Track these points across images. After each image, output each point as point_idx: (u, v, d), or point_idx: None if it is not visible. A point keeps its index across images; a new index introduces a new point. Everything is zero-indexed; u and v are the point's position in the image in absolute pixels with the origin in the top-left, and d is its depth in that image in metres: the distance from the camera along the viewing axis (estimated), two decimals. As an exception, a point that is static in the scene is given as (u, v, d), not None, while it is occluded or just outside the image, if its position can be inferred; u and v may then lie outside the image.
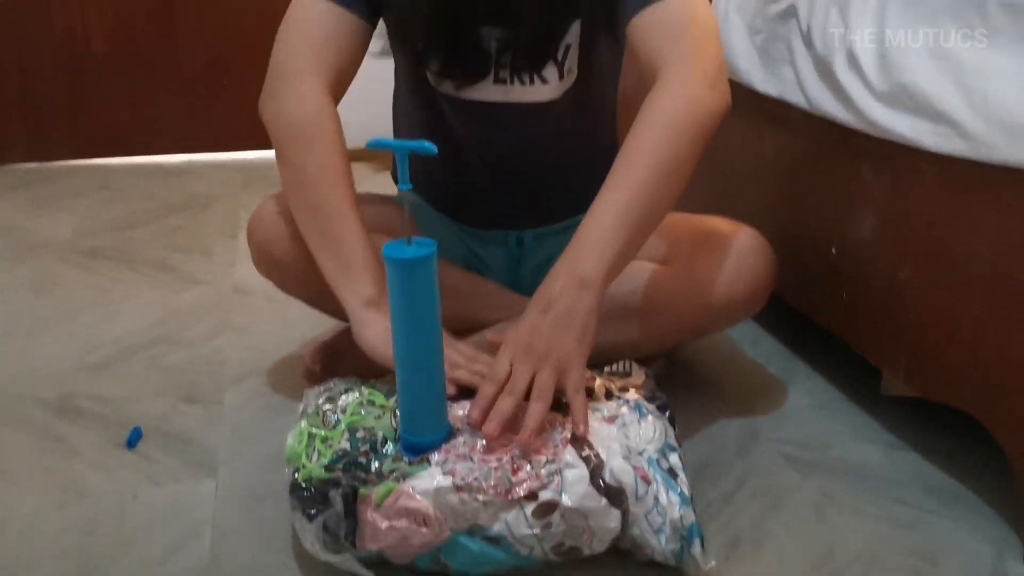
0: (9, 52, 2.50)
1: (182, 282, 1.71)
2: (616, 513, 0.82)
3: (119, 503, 1.02)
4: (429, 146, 0.79)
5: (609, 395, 0.96)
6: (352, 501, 0.83)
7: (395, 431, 0.89)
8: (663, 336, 1.15)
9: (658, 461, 0.88)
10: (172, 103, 2.63)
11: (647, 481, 0.85)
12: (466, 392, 0.93)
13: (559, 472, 0.82)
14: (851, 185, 1.16)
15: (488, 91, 1.12)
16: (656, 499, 0.84)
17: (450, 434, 0.88)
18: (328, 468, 0.86)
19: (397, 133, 1.29)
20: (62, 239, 1.96)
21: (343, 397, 0.96)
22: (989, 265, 0.95)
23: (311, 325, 1.43)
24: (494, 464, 0.83)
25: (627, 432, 0.89)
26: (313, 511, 0.84)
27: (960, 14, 0.94)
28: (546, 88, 1.12)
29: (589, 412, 0.89)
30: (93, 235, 1.99)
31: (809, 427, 1.19)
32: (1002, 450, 0.97)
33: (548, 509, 0.81)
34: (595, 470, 0.83)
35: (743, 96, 1.39)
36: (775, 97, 1.29)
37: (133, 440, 1.14)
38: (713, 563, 0.88)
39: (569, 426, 0.87)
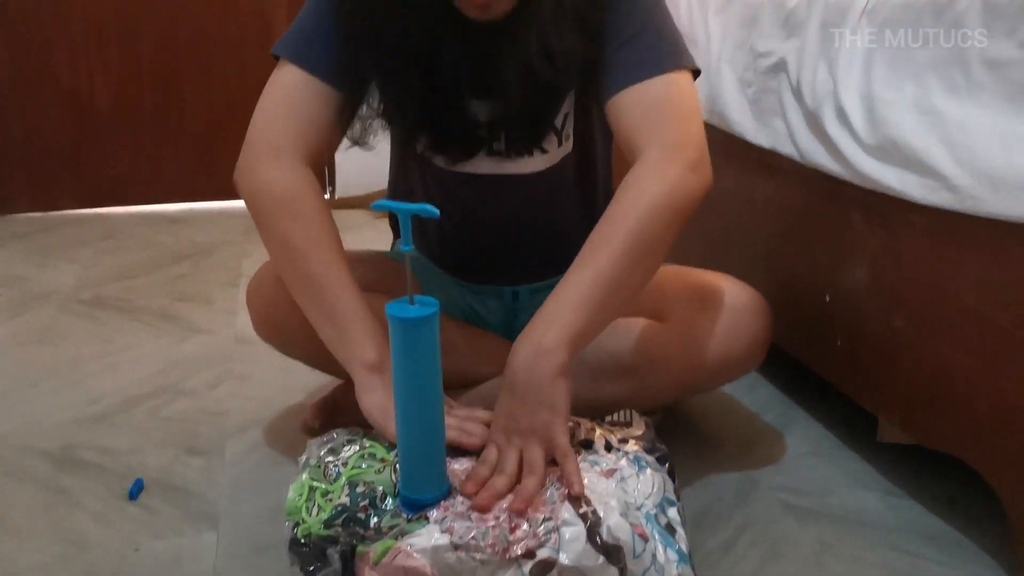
0: (15, 106, 2.55)
1: (184, 331, 1.73)
2: (614, 571, 0.83)
3: (121, 556, 1.02)
4: (432, 209, 0.81)
5: (609, 447, 0.97)
6: (350, 559, 0.84)
7: (395, 486, 0.90)
8: (660, 393, 1.15)
9: (656, 517, 0.89)
10: (174, 154, 2.68)
11: (644, 539, 0.85)
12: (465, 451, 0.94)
13: (556, 530, 0.83)
14: (843, 234, 1.19)
15: (481, 164, 1.13)
16: (654, 556, 0.85)
17: (449, 491, 0.89)
18: (327, 524, 0.87)
19: (393, 190, 1.30)
20: (65, 289, 1.98)
21: (345, 449, 0.97)
22: (978, 315, 0.96)
23: (312, 374, 1.43)
24: (492, 522, 0.84)
25: (625, 486, 0.90)
26: (312, 568, 0.85)
27: (944, 71, 0.96)
28: (544, 157, 1.13)
29: (587, 465, 0.90)
30: (96, 284, 2.01)
31: (807, 474, 1.20)
32: (997, 496, 0.97)
33: (546, 567, 0.81)
34: (592, 527, 0.83)
35: (736, 145, 1.42)
36: (767, 148, 1.32)
37: (135, 492, 1.14)
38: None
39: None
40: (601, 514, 0.84)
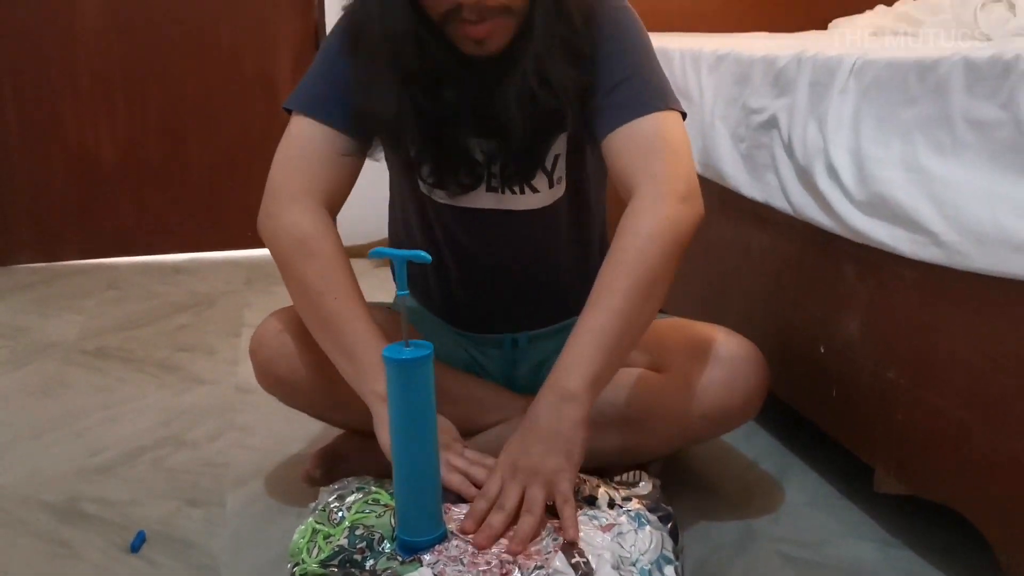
0: (23, 159, 2.58)
1: (186, 382, 1.74)
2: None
3: (122, 610, 1.03)
4: (425, 256, 0.84)
5: (611, 504, 0.98)
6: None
7: (393, 530, 0.91)
8: (658, 444, 1.17)
9: (650, 573, 0.90)
10: (178, 206, 2.71)
11: (635, 593, 0.86)
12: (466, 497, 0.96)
13: (547, 577, 0.84)
14: (836, 286, 1.21)
15: (481, 199, 1.17)
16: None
17: (444, 536, 0.90)
18: (324, 564, 0.89)
19: (393, 235, 1.34)
20: (69, 339, 2.00)
21: (352, 496, 0.99)
22: (969, 367, 0.98)
23: (312, 424, 1.45)
24: (483, 567, 0.85)
25: (622, 541, 0.91)
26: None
27: (929, 130, 0.99)
28: (537, 196, 1.17)
29: (586, 519, 0.91)
30: (99, 335, 2.03)
31: (805, 525, 1.20)
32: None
33: (534, 614, 0.83)
34: (583, 577, 0.84)
35: (731, 197, 1.45)
36: (761, 201, 1.35)
37: (137, 544, 1.15)
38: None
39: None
40: (594, 565, 0.85)
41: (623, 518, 0.95)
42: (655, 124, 1.05)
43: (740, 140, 1.41)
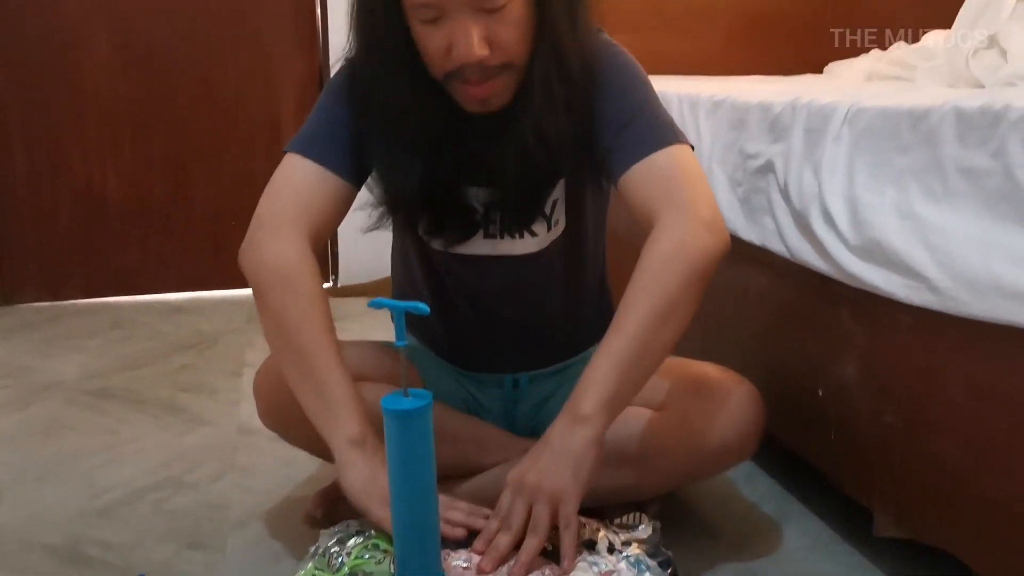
0: (29, 197, 2.61)
1: (187, 423, 1.75)
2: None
3: (122, 655, 1.03)
4: (423, 307, 0.86)
5: (611, 548, 0.98)
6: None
7: (392, 576, 0.92)
8: (659, 482, 1.18)
9: (649, 618, 0.90)
10: (181, 245, 2.73)
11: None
12: (464, 541, 0.96)
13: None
14: (833, 330, 1.22)
15: (478, 246, 1.18)
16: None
17: None
18: (321, 609, 0.89)
19: (394, 278, 1.36)
20: (71, 379, 2.00)
21: (352, 540, 1.00)
22: (964, 412, 0.99)
23: (313, 465, 1.46)
24: None
25: (622, 588, 0.92)
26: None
27: (922, 177, 1.01)
28: (535, 240, 1.19)
29: (586, 565, 0.92)
30: (102, 375, 2.03)
31: (805, 569, 1.20)
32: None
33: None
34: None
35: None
36: (758, 245, 1.36)
37: (137, 588, 1.15)
38: None
39: (556, 571, 0.91)
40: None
41: (622, 564, 0.95)
42: (670, 157, 1.06)
43: (737, 184, 1.43)
